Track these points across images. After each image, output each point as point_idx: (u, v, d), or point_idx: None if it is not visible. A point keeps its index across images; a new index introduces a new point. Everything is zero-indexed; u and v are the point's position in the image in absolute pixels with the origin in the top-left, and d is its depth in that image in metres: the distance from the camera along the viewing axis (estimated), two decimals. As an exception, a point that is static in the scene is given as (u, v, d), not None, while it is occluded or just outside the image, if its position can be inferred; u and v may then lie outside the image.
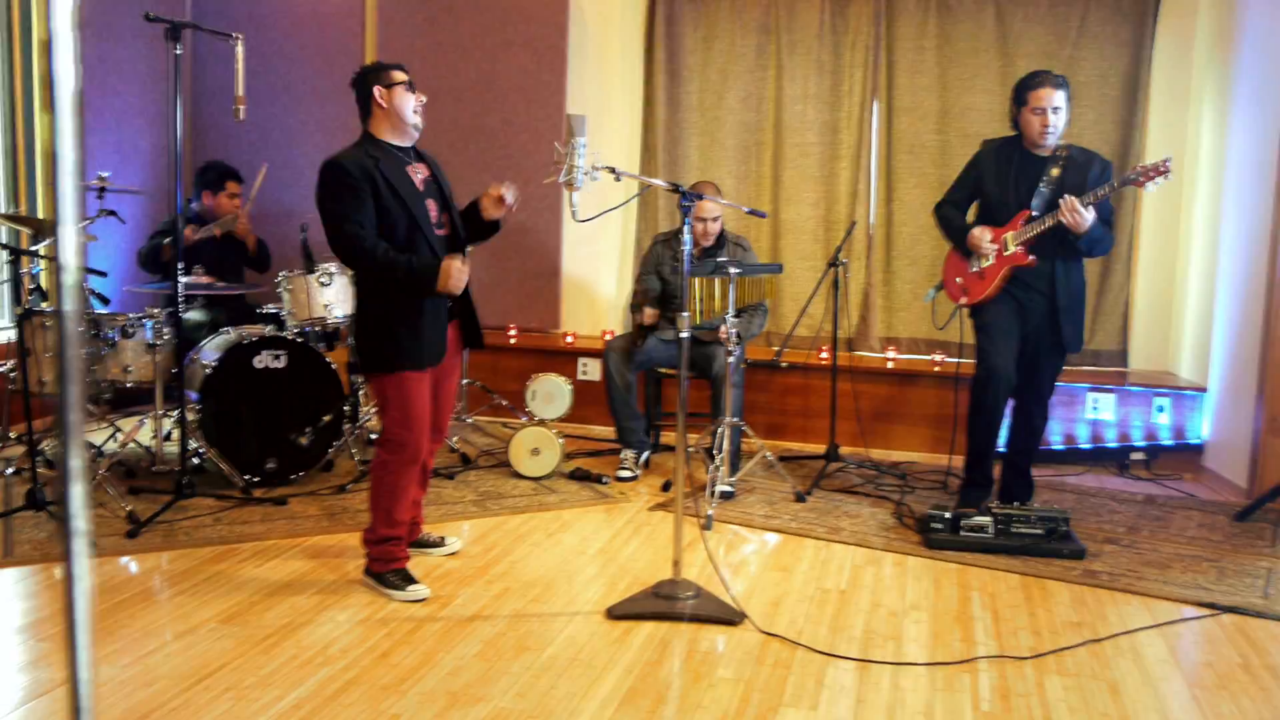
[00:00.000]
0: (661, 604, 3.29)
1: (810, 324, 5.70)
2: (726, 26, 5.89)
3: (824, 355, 5.65)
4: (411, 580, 3.39)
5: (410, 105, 3.39)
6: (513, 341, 6.01)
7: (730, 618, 3.25)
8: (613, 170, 3.22)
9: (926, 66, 5.71)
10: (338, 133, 6.24)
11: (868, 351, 5.87)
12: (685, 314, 3.23)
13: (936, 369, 5.59)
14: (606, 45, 6.11)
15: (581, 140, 3.00)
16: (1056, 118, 4.04)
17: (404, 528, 3.48)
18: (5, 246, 4.41)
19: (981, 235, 4.17)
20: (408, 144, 3.44)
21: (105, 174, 4.43)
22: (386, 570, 3.41)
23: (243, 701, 2.66)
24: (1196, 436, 5.32)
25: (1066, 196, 3.93)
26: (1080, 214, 3.90)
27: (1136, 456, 5.38)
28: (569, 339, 6.02)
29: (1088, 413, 5.39)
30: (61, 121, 1.00)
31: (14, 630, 3.06)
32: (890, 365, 5.67)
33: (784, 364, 5.51)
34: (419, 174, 3.43)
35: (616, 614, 3.27)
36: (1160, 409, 5.33)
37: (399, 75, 3.38)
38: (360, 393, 5.01)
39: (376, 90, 3.37)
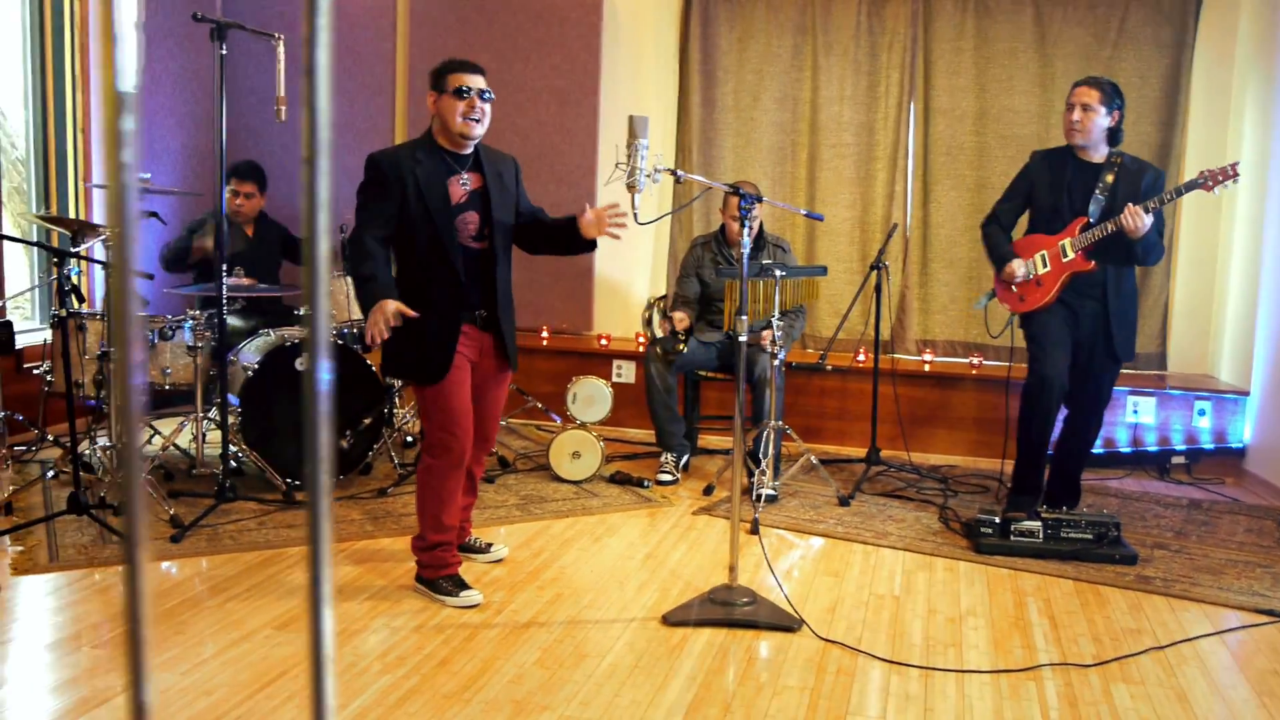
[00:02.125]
0: (718, 610, 3.25)
1: (847, 326, 5.65)
2: (762, 27, 5.85)
3: (860, 358, 5.62)
4: (464, 586, 3.35)
5: (457, 113, 3.25)
6: (545, 343, 5.97)
7: (788, 624, 3.21)
8: (674, 172, 3.17)
9: (964, 67, 5.66)
10: (368, 134, 6.22)
11: (904, 354, 5.83)
12: (743, 316, 3.18)
13: (974, 372, 5.55)
14: (640, 45, 6.07)
15: (644, 142, 2.96)
16: (1085, 115, 4.01)
17: (453, 533, 3.43)
18: (48, 248, 4.39)
19: (1014, 270, 4.19)
20: (462, 151, 3.35)
21: (146, 175, 4.41)
22: (438, 576, 3.37)
23: (306, 710, 2.62)
24: (1238, 440, 5.27)
25: (1129, 204, 3.92)
26: (1141, 218, 3.89)
27: (1177, 460, 5.33)
28: (603, 341, 5.97)
29: (1128, 416, 5.34)
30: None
31: (66, 638, 3.03)
32: (927, 368, 5.63)
33: (829, 367, 5.46)
34: (465, 185, 3.33)
35: (673, 620, 3.23)
36: (1201, 412, 5.27)
37: (455, 80, 3.26)
38: (396, 395, 4.97)
39: (430, 95, 3.33)
